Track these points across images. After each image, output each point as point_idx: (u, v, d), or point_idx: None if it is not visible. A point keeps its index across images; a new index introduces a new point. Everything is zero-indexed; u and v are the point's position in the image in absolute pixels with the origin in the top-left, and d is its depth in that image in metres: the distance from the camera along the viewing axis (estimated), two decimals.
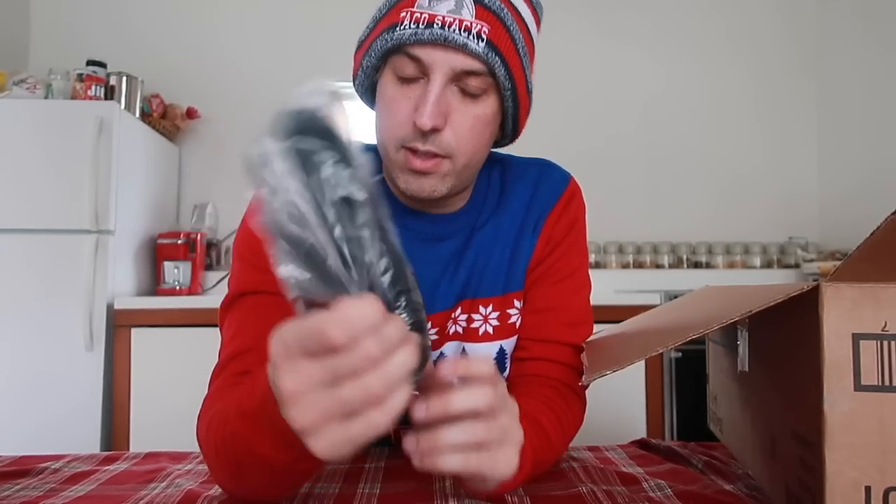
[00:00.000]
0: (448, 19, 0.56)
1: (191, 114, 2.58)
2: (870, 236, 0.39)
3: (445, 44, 0.56)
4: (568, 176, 0.77)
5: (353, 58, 0.67)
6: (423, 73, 0.59)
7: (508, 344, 0.73)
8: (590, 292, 0.77)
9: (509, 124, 0.67)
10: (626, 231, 2.73)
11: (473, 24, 0.57)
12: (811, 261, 2.54)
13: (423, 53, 0.57)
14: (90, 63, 2.24)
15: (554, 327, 0.71)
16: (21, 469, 0.64)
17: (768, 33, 2.86)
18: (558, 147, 2.74)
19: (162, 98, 2.50)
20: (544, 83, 2.74)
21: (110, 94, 2.26)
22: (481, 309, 0.72)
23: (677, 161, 2.80)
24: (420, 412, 0.41)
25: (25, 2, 2.66)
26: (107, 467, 0.66)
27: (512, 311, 0.73)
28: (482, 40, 0.57)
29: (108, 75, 2.28)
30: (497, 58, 0.58)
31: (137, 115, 2.32)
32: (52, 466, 0.66)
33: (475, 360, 0.44)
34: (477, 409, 0.42)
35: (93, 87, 2.19)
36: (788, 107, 2.85)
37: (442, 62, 0.57)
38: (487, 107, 0.61)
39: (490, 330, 0.72)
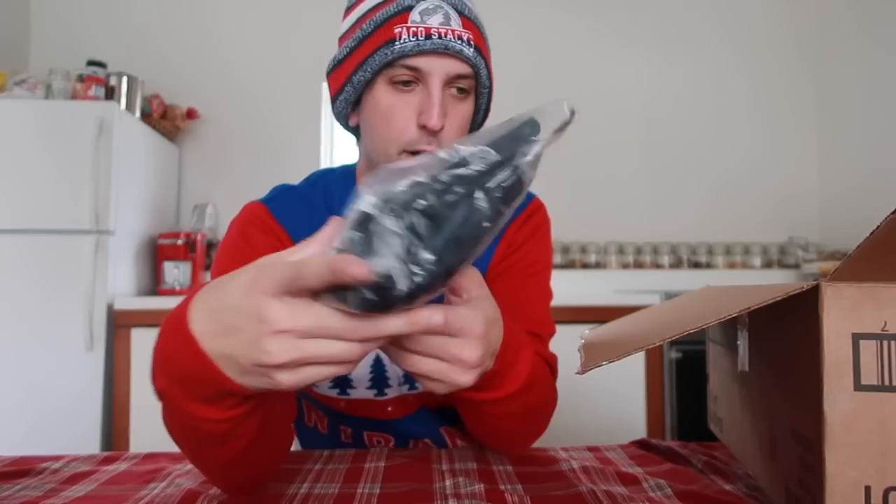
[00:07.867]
0: (442, 30, 0.64)
1: (191, 114, 2.58)
2: (870, 236, 0.39)
3: (445, 52, 0.64)
4: (531, 195, 0.81)
5: (328, 79, 0.73)
6: (419, 79, 0.66)
7: None
8: (548, 301, 0.80)
9: (479, 118, 0.74)
10: (626, 231, 2.73)
11: (462, 33, 0.66)
12: (811, 261, 2.54)
13: (422, 62, 0.65)
14: (90, 63, 2.24)
15: None
16: (21, 469, 0.64)
17: (768, 33, 2.86)
18: (558, 147, 2.76)
19: (162, 98, 2.50)
20: (545, 84, 2.77)
21: (110, 94, 2.26)
22: None
23: (677, 161, 2.80)
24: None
25: (25, 2, 2.67)
26: (106, 467, 0.66)
27: None
28: (471, 46, 0.66)
29: (109, 75, 2.28)
30: (482, 60, 0.68)
31: (137, 115, 2.32)
32: (52, 467, 0.66)
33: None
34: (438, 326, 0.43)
35: (93, 88, 2.19)
36: (788, 107, 2.85)
37: (439, 68, 0.65)
38: (470, 105, 0.70)
39: None
